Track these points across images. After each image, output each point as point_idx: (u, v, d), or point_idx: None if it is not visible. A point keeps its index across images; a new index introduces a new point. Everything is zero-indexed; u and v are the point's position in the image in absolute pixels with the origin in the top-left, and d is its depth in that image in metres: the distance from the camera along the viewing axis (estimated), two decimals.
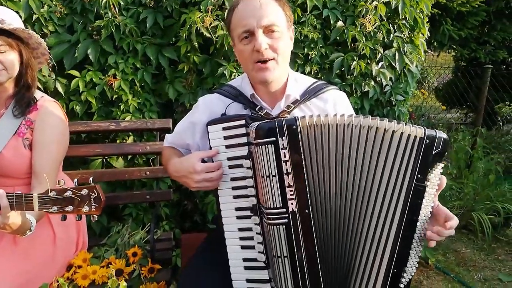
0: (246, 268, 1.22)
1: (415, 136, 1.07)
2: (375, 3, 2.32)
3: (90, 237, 1.77)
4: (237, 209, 1.22)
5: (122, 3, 2.04)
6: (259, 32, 1.18)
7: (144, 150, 1.97)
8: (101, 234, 2.09)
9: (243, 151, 1.19)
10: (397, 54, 2.45)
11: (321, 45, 2.34)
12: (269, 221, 1.11)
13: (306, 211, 1.10)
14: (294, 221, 1.10)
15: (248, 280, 1.22)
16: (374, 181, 1.10)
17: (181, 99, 2.21)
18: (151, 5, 2.14)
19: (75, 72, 2.04)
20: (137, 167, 2.08)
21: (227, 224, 1.23)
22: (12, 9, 1.58)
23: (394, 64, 2.44)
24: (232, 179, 1.22)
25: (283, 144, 1.08)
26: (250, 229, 1.20)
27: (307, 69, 2.34)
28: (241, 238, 1.22)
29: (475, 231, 3.09)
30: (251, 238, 1.20)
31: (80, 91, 2.03)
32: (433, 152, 1.08)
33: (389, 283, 1.13)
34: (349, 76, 2.41)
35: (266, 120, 1.15)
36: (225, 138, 1.21)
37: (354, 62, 2.35)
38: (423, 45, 2.59)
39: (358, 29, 2.34)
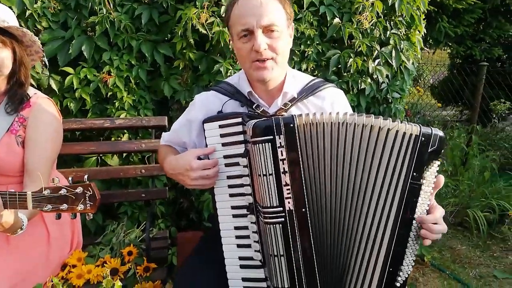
0: (242, 266, 1.21)
1: (411, 134, 1.07)
2: (371, 0, 2.31)
3: (85, 236, 1.76)
4: (233, 207, 1.21)
5: None
6: (259, 32, 1.17)
7: (139, 148, 1.95)
8: (96, 232, 2.08)
9: (240, 149, 1.18)
10: (393, 51, 2.44)
11: (317, 42, 2.34)
12: (266, 220, 1.10)
13: (303, 210, 1.10)
14: (291, 220, 1.09)
15: (244, 279, 1.21)
16: (370, 180, 1.10)
17: (176, 96, 2.20)
18: (146, 1, 2.12)
19: (69, 69, 2.01)
20: (132, 165, 2.07)
21: (223, 223, 1.23)
22: (5, 5, 1.56)
23: (390, 61, 2.44)
24: (229, 177, 1.21)
25: (280, 143, 1.07)
26: (246, 228, 1.20)
27: (304, 66, 2.33)
28: (237, 237, 1.21)
29: (470, 228, 3.11)
30: (247, 237, 1.20)
31: (74, 88, 2.01)
32: (429, 150, 1.07)
33: (384, 281, 1.12)
34: (345, 73, 2.41)
35: (263, 118, 1.14)
36: (222, 136, 1.20)
37: (351, 59, 2.34)
38: (419, 42, 2.59)
39: (355, 26, 2.33)
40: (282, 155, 1.07)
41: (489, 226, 3.09)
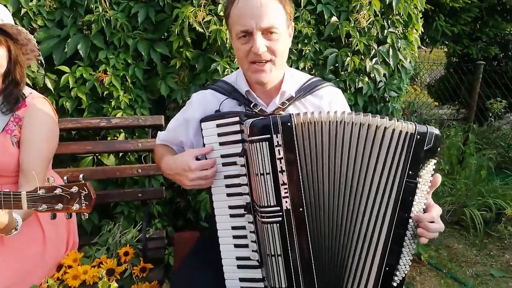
0: (239, 266, 1.21)
1: (406, 132, 1.06)
2: None
3: (81, 236, 1.74)
4: (230, 207, 1.20)
5: None
6: (258, 34, 1.16)
7: (135, 148, 1.94)
8: (92, 232, 2.07)
9: (237, 148, 1.17)
10: (391, 50, 2.45)
11: (315, 40, 2.33)
12: (263, 220, 1.10)
13: (300, 209, 1.09)
14: (288, 219, 1.09)
15: (241, 279, 1.20)
16: (366, 178, 1.09)
17: (173, 95, 2.19)
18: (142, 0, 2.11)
19: (65, 68, 2.00)
20: (128, 165, 2.06)
21: (220, 223, 1.22)
22: (0, 3, 1.54)
23: (388, 60, 2.44)
24: (226, 177, 1.20)
25: (277, 141, 1.06)
26: (243, 228, 1.19)
27: (301, 65, 2.32)
28: (235, 237, 1.21)
29: (467, 226, 3.12)
30: (245, 237, 1.19)
31: (70, 87, 2.00)
32: (424, 148, 1.06)
33: (381, 281, 1.12)
34: (343, 72, 2.41)
35: (261, 117, 1.13)
36: (219, 135, 1.19)
37: (348, 58, 2.34)
38: (417, 41, 2.59)
39: (352, 24, 2.33)
40: (279, 154, 1.06)
41: (486, 224, 3.10)
